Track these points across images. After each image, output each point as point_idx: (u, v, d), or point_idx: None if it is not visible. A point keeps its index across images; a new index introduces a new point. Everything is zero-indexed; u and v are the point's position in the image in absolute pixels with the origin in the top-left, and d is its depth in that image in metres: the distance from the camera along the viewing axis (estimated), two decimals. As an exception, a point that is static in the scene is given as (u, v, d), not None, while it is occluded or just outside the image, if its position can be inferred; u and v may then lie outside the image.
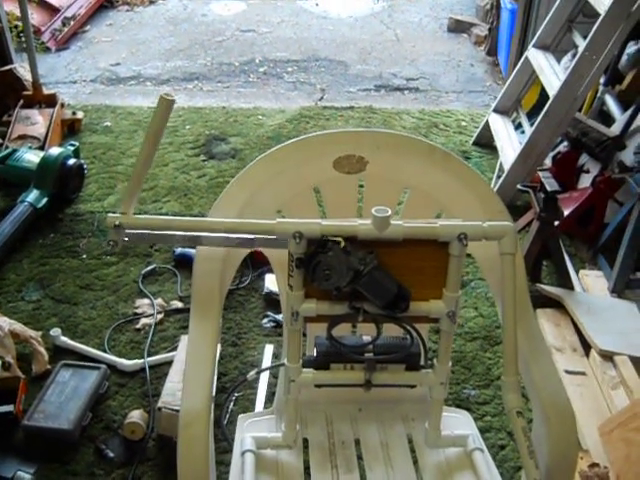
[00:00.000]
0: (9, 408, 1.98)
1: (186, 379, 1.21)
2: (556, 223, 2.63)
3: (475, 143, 3.70)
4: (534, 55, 3.24)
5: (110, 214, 1.18)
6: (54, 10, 5.25)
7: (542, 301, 2.55)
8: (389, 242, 1.18)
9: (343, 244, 1.17)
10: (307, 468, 1.38)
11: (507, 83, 3.52)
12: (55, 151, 3.04)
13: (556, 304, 2.54)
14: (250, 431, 1.40)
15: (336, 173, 1.37)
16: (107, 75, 4.61)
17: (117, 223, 1.17)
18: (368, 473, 1.37)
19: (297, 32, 5.45)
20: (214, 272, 1.30)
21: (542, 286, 2.60)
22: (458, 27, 5.46)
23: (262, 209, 1.32)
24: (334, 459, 1.40)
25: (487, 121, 3.58)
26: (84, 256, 2.76)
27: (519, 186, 2.66)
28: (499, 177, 3.20)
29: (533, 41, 3.32)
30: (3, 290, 2.56)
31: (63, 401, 2.03)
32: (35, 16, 4.99)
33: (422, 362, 1.31)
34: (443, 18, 5.67)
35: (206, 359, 1.22)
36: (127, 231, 1.21)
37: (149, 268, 2.68)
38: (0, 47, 3.90)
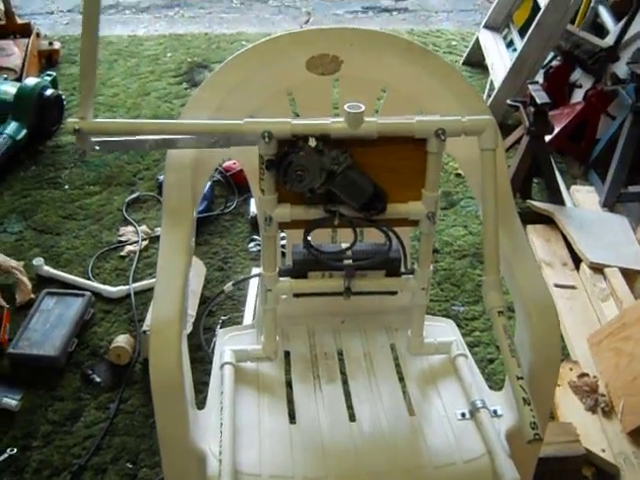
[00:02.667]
0: (-7, 336, 1.96)
1: (157, 288, 1.17)
2: (547, 138, 2.57)
3: (466, 63, 3.59)
4: (525, -35, 3.11)
5: (69, 119, 1.12)
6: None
7: (532, 217, 2.52)
8: (364, 141, 1.13)
9: (315, 143, 1.12)
10: (289, 381, 1.36)
11: (497, -3, 3.40)
12: (32, 82, 2.94)
13: (546, 220, 2.51)
14: (230, 345, 1.38)
15: (309, 74, 1.30)
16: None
17: (76, 127, 1.11)
18: (351, 382, 1.35)
19: (281, -45, 5.24)
20: (184, 180, 1.25)
21: (532, 202, 2.56)
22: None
23: (232, 114, 1.26)
24: (316, 370, 1.38)
25: (477, 38, 3.46)
26: (66, 187, 2.70)
27: (509, 101, 2.59)
28: (489, 95, 3.11)
29: (524, -49, 3.18)
30: (-16, 223, 2.52)
31: (48, 329, 2.02)
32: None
33: (403, 268, 1.28)
34: None
35: (177, 268, 1.18)
36: (96, 139, 1.15)
37: (133, 196, 2.63)
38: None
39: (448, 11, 4.30)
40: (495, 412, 1.25)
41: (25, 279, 2.19)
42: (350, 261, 1.25)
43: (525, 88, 2.85)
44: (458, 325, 2.03)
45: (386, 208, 1.16)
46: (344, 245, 1.28)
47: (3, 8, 3.52)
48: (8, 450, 1.74)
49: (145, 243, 2.41)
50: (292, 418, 1.26)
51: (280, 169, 1.12)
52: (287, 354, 1.41)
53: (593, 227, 2.43)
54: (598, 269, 2.24)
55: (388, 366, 1.38)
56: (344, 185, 1.13)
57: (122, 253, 2.38)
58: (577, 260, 2.32)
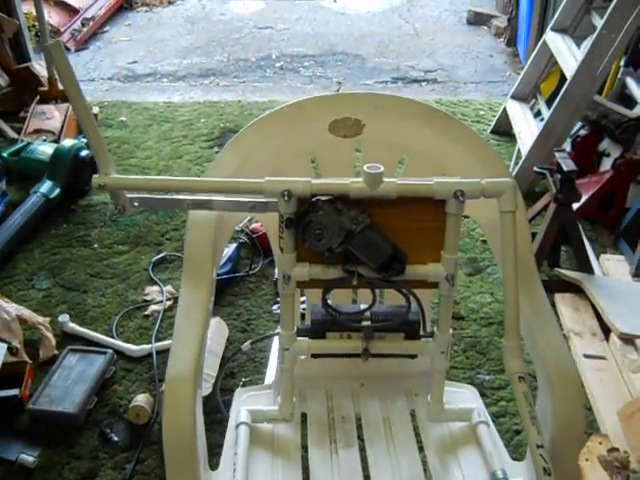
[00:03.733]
0: (15, 392, 1.97)
1: (173, 347, 1.17)
2: (575, 206, 2.55)
3: (493, 131, 3.62)
4: (552, 38, 3.16)
5: (94, 176, 1.15)
6: (74, 11, 5.29)
7: (561, 286, 2.48)
8: (383, 202, 1.13)
9: (334, 203, 1.12)
10: (305, 444, 1.33)
11: (525, 68, 3.45)
12: (68, 143, 3.04)
13: (575, 289, 2.46)
14: (247, 404, 1.36)
15: (332, 137, 1.33)
16: (124, 73, 4.62)
17: (102, 183, 1.14)
18: (368, 448, 1.31)
19: (314, 28, 5.43)
20: (206, 240, 1.27)
21: (561, 270, 2.53)
22: (478, 19, 5.38)
23: (254, 175, 1.28)
24: (333, 434, 1.35)
25: (505, 108, 3.50)
26: (95, 245, 2.75)
27: (535, 168, 2.59)
28: (517, 164, 3.12)
29: (551, 24, 3.24)
30: (14, 279, 2.56)
31: (69, 385, 2.02)
32: (55, 17, 5.06)
33: (422, 331, 1.26)
34: (463, 11, 5.60)
35: (195, 327, 1.18)
36: (133, 196, 1.18)
37: (160, 256, 2.66)
38: (18, 45, 3.95)
39: (476, 82, 4.37)
40: (517, 484, 1.20)
41: (50, 335, 2.21)
42: (369, 322, 1.24)
43: (552, 156, 2.87)
44: (483, 394, 2.00)
45: (405, 269, 1.15)
46: (364, 306, 1.27)
47: (47, 75, 3.67)
48: (22, 508, 1.72)
49: (169, 303, 2.42)
50: (306, 483, 1.23)
51: (299, 228, 1.13)
52: (304, 416, 1.39)
53: (623, 297, 2.38)
54: (628, 340, 2.18)
55: (407, 433, 1.34)
56: (362, 245, 1.13)
57: (146, 312, 2.40)
58: (607, 330, 2.26)
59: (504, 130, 3.56)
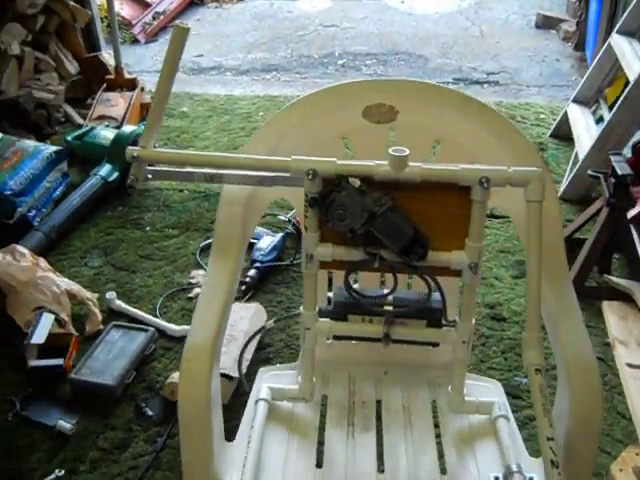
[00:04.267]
0: (59, 362, 2.05)
1: (195, 317, 1.20)
2: (630, 214, 2.48)
3: (552, 135, 3.54)
4: (617, 41, 3.08)
5: (130, 147, 1.19)
6: (146, 5, 5.45)
7: (609, 293, 2.41)
8: (408, 186, 1.14)
9: (358, 184, 1.13)
10: (323, 425, 1.34)
11: (588, 71, 3.36)
12: (129, 129, 3.14)
13: (624, 297, 2.39)
14: (268, 382, 1.38)
15: (365, 122, 1.34)
16: (189, 65, 4.73)
17: (135, 155, 1.18)
18: (385, 434, 1.32)
19: (379, 27, 5.42)
20: (236, 216, 1.30)
21: (610, 277, 2.46)
22: (547, 23, 5.27)
23: (288, 155, 1.31)
24: (352, 417, 1.36)
25: (566, 111, 3.42)
26: (147, 228, 2.83)
27: (589, 172, 2.52)
28: (573, 168, 3.05)
29: (617, 27, 3.15)
30: (68, 256, 2.66)
31: (110, 359, 2.09)
32: (127, 10, 5.22)
33: (444, 321, 1.25)
34: (531, 15, 5.49)
35: (218, 298, 1.21)
36: (149, 168, 1.23)
37: (208, 242, 2.72)
38: (90, 35, 4.09)
39: (540, 86, 4.28)
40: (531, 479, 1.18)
41: (97, 310, 2.29)
42: (391, 307, 1.25)
43: (609, 160, 2.79)
44: (518, 397, 1.97)
45: (427, 254, 1.15)
46: (387, 291, 1.27)
47: (114, 64, 3.80)
48: (56, 471, 1.79)
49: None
50: (320, 462, 1.24)
51: (322, 207, 1.14)
52: (325, 399, 1.40)
53: (674, 307, 2.29)
54: (676, 351, 2.10)
55: (426, 422, 1.34)
56: (384, 227, 1.13)
57: (190, 295, 2.45)
58: (655, 341, 2.19)
59: (564, 134, 3.47)
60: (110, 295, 2.36)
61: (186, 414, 1.09)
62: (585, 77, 3.39)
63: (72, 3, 3.79)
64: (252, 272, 2.50)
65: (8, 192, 2.61)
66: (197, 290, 2.46)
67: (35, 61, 3.60)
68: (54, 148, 2.91)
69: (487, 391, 1.41)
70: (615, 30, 3.16)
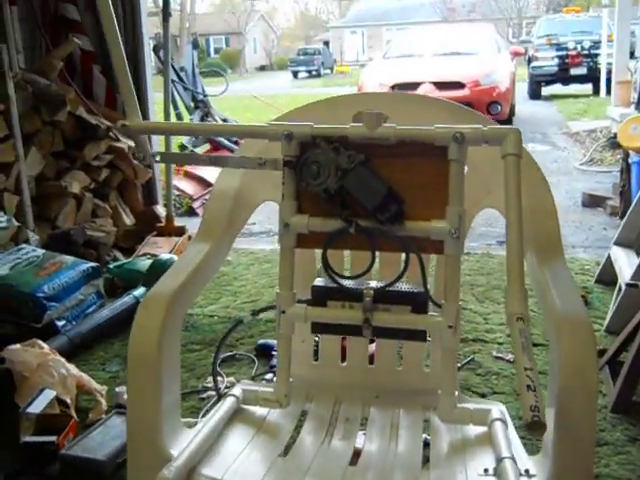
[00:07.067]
0: (52, 438, 1.93)
1: (163, 277, 1.16)
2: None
3: (598, 281, 3.45)
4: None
5: (119, 121, 1.24)
6: (207, 184, 5.88)
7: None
8: (384, 151, 1.13)
9: (333, 143, 1.13)
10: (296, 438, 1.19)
11: (628, 213, 3.34)
12: (166, 256, 3.24)
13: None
14: (244, 385, 1.27)
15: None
16: (242, 231, 4.94)
17: (123, 124, 1.22)
18: (367, 444, 1.15)
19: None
20: (224, 207, 1.30)
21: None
22: (592, 202, 5.35)
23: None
24: (331, 429, 1.21)
25: (609, 255, 3.35)
26: (172, 343, 2.79)
27: (628, 281, 2.41)
28: (617, 298, 2.91)
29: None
30: (88, 362, 2.62)
31: (106, 440, 1.96)
32: (188, 187, 5.65)
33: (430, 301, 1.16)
34: (577, 197, 5.62)
35: (189, 265, 1.17)
36: (156, 152, 1.27)
37: (229, 354, 2.65)
38: (150, 189, 4.39)
39: (586, 246, 4.26)
40: (527, 471, 0.99)
41: (103, 401, 2.20)
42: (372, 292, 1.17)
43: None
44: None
45: (403, 214, 1.11)
46: (374, 283, 1.20)
47: (165, 213, 4.04)
48: None
49: (227, 390, 2.36)
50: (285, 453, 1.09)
51: (297, 166, 1.13)
52: (305, 414, 1.26)
53: None
54: None
55: (413, 434, 1.18)
56: (357, 183, 1.11)
57: (202, 396, 2.34)
58: None
59: (609, 279, 3.37)
60: (120, 389, 2.28)
61: (135, 358, 1.01)
62: (624, 220, 3.36)
63: (136, 162, 4.14)
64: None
65: (40, 294, 2.67)
66: (210, 392, 2.35)
67: (93, 207, 3.86)
68: (91, 264, 3.01)
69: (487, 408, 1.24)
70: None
